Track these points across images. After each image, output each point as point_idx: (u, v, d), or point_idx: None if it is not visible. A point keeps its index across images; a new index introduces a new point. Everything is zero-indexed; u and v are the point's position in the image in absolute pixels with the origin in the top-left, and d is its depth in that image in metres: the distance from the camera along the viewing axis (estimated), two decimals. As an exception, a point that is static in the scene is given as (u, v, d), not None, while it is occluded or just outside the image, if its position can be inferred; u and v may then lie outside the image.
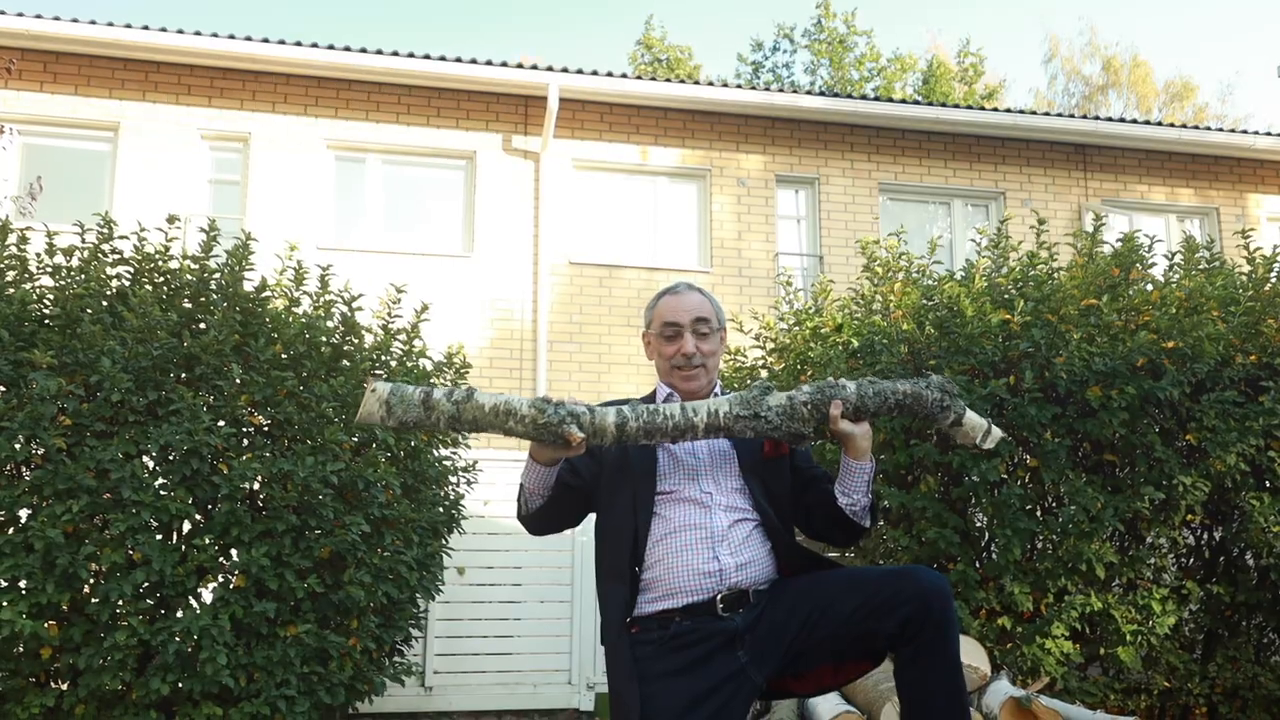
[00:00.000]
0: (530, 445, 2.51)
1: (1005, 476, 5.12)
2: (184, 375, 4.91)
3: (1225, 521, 5.31)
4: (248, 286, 5.27)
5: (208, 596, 4.86)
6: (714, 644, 2.49)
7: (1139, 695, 5.13)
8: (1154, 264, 5.67)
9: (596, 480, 2.68)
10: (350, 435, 5.09)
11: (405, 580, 5.26)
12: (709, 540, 2.53)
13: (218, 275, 5.20)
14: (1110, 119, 12.27)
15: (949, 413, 2.59)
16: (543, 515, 2.65)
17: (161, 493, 4.67)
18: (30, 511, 4.58)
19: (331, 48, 10.50)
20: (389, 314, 5.70)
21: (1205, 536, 5.47)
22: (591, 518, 2.75)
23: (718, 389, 2.78)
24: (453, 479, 6.00)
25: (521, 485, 2.61)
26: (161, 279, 5.16)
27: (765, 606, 2.54)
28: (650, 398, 2.79)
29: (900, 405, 2.59)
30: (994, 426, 2.60)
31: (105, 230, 5.15)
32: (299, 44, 10.47)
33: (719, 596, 2.50)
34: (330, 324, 5.41)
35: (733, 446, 2.69)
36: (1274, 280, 5.54)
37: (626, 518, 2.60)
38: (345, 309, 5.47)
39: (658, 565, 2.54)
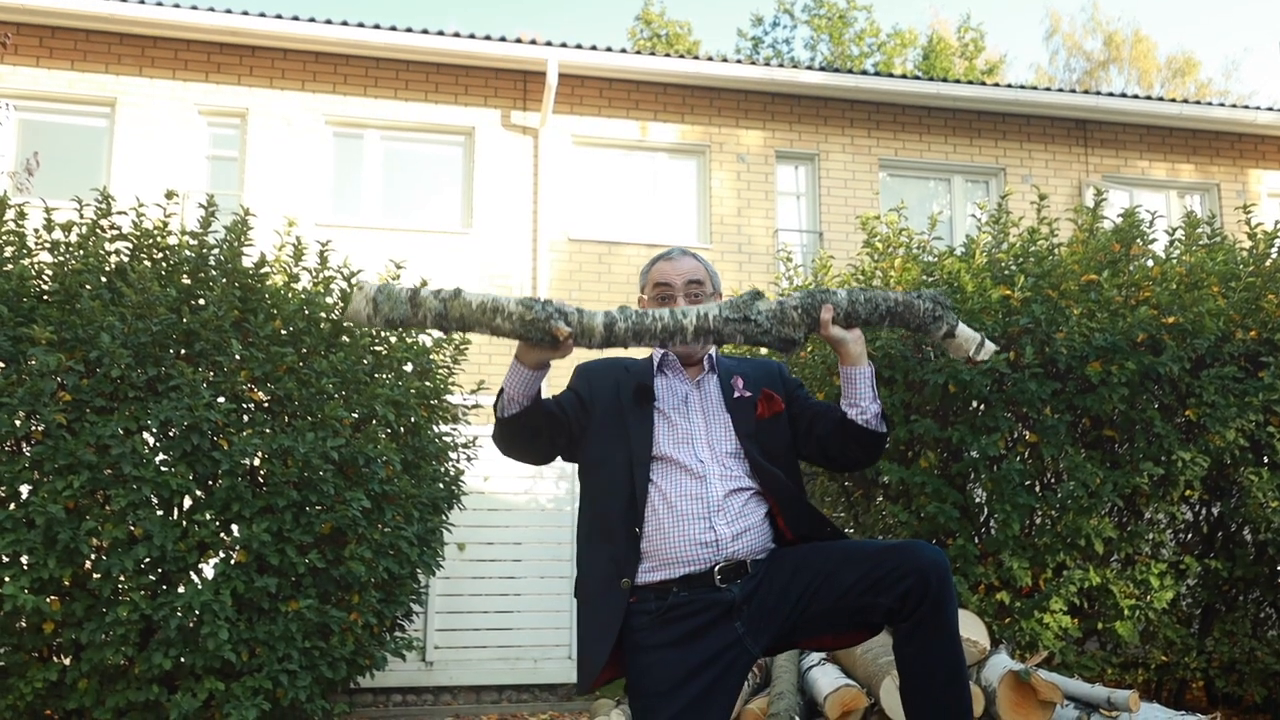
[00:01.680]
0: (517, 347, 2.46)
1: (1005, 452, 5.13)
2: (183, 351, 4.90)
3: (1224, 497, 5.33)
4: (246, 262, 5.26)
5: (209, 572, 4.87)
6: (711, 615, 2.48)
7: (1136, 669, 5.16)
8: (1154, 240, 5.66)
9: (583, 430, 2.65)
10: (350, 411, 5.09)
11: (406, 556, 5.28)
12: (705, 511, 2.51)
13: (216, 251, 5.19)
14: (1111, 94, 12.20)
15: (941, 323, 2.55)
16: (516, 425, 2.54)
17: (162, 468, 4.68)
18: (31, 487, 4.59)
19: (329, 22, 10.43)
20: (388, 290, 5.68)
21: (1204, 512, 5.49)
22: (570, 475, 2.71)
23: (713, 353, 2.77)
24: (453, 455, 6.00)
25: (502, 389, 2.52)
26: (160, 255, 5.15)
27: (763, 577, 2.53)
28: (647, 360, 2.77)
29: (892, 313, 2.56)
30: (987, 340, 2.56)
31: (103, 206, 5.13)
32: (296, 19, 10.40)
33: (716, 568, 2.49)
34: (329, 300, 5.40)
35: (727, 411, 2.67)
36: (1274, 256, 5.54)
37: (621, 476, 2.56)
38: (344, 285, 5.46)
39: (654, 535, 2.52)
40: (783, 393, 2.74)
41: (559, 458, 2.73)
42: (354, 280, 5.46)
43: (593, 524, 2.63)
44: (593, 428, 2.65)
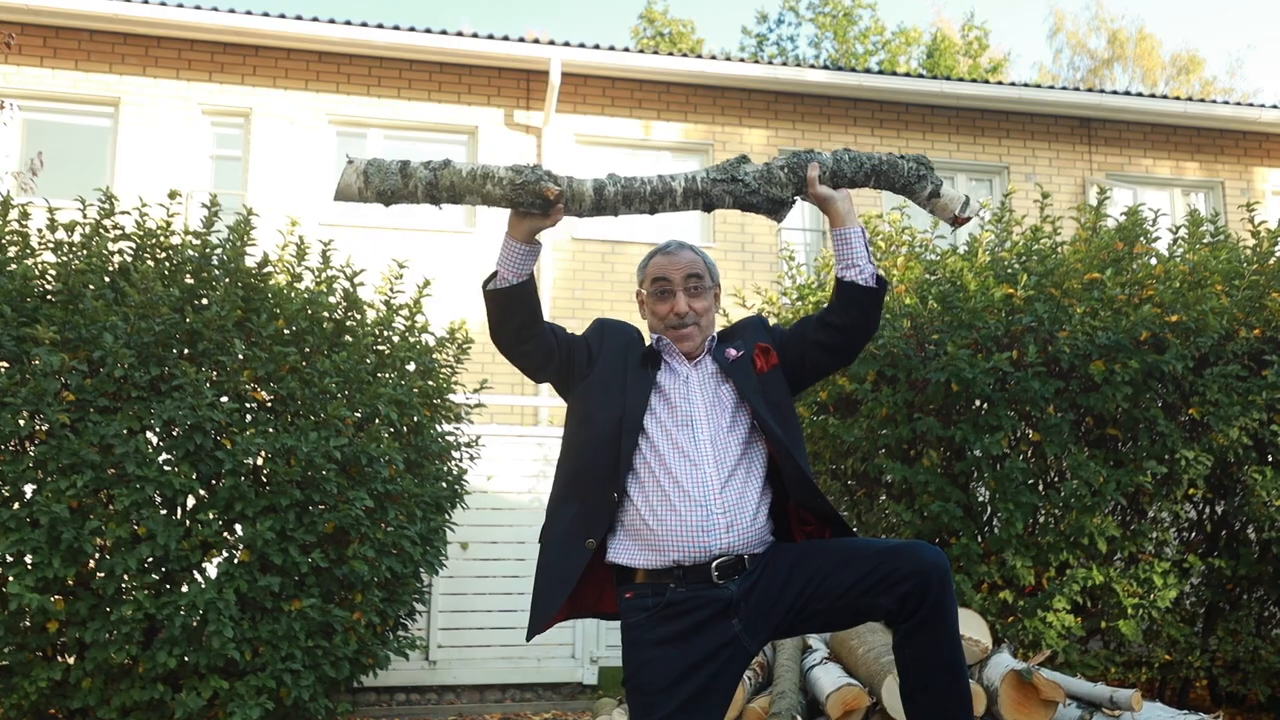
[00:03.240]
0: (508, 221, 2.51)
1: (1008, 451, 5.13)
2: (186, 351, 4.91)
3: (1227, 495, 5.32)
4: (250, 262, 5.26)
5: (212, 571, 4.88)
6: (709, 612, 2.48)
7: (1140, 668, 5.15)
8: (1158, 238, 5.65)
9: (582, 377, 2.64)
10: (353, 411, 5.10)
11: (409, 555, 5.28)
12: (703, 498, 2.49)
13: (220, 251, 5.19)
14: (1115, 92, 12.18)
15: (926, 183, 2.60)
16: (505, 302, 2.54)
17: (165, 468, 4.69)
18: (35, 487, 4.60)
19: (333, 22, 10.43)
20: (391, 290, 5.69)
21: (1207, 510, 5.48)
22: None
23: (714, 335, 2.75)
24: (456, 454, 6.00)
25: (495, 271, 2.55)
26: (163, 254, 5.16)
27: (761, 575, 2.52)
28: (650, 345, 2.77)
29: (877, 171, 2.61)
30: (973, 199, 2.61)
31: (107, 206, 5.14)
32: (300, 18, 10.40)
33: (714, 563, 2.48)
34: (332, 299, 5.41)
35: (728, 379, 2.65)
36: (1278, 254, 5.53)
37: (608, 435, 2.55)
38: (347, 284, 5.47)
39: (649, 518, 2.51)
40: (771, 340, 2.74)
41: (551, 385, 2.72)
42: (355, 278, 5.47)
43: (570, 479, 2.63)
44: (591, 379, 2.64)
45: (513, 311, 2.56)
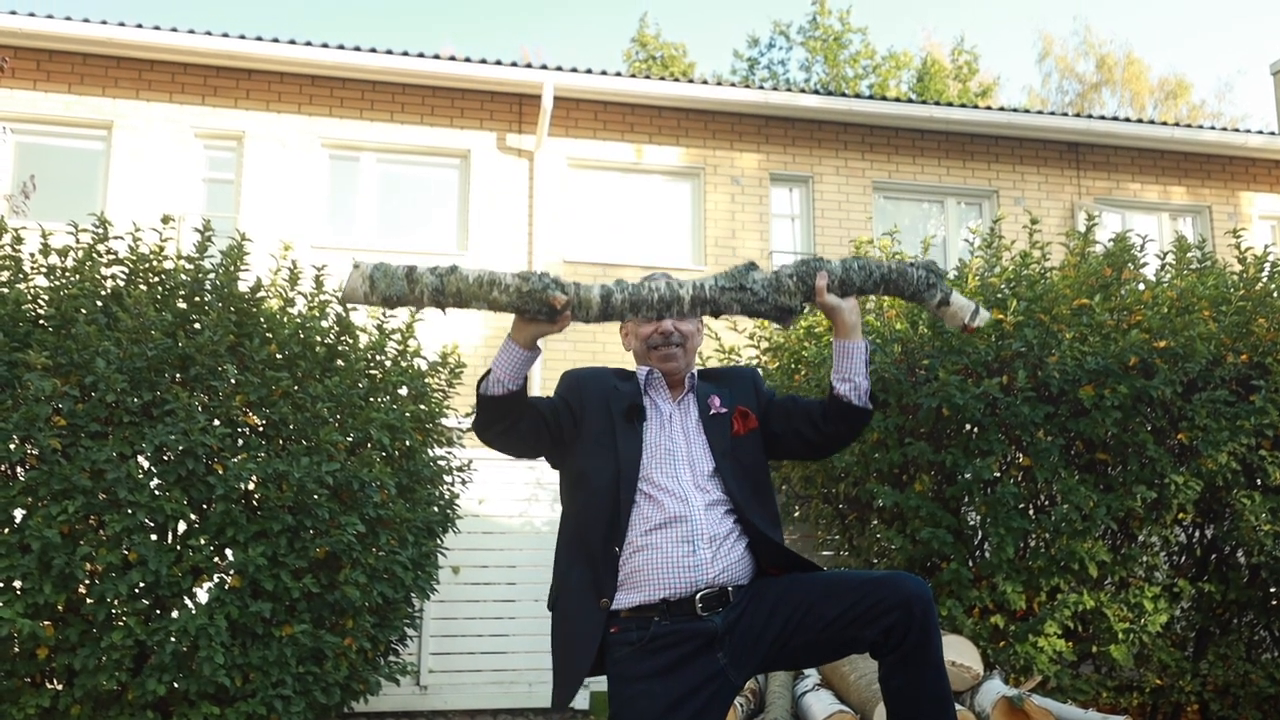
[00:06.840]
0: (512, 326, 2.48)
1: (999, 475, 5.15)
2: (179, 376, 4.91)
3: (1217, 520, 5.35)
4: (242, 286, 5.26)
5: (203, 597, 4.86)
6: (694, 645, 2.49)
7: (1131, 693, 5.16)
8: (1146, 264, 5.70)
9: (573, 439, 2.65)
10: (345, 435, 5.09)
11: (400, 580, 5.27)
12: (688, 534, 2.51)
13: (212, 275, 5.20)
14: (1103, 117, 12.30)
15: (935, 291, 2.57)
16: (497, 408, 2.52)
17: (157, 493, 4.67)
18: (25, 512, 4.58)
19: (325, 46, 10.49)
20: (384, 314, 5.70)
21: (1197, 535, 5.51)
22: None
23: (694, 372, 2.77)
24: (448, 479, 6.00)
25: (490, 370, 2.52)
26: (156, 279, 5.16)
27: (745, 608, 2.53)
28: (631, 374, 2.78)
29: (886, 280, 2.58)
30: (982, 308, 2.58)
31: (100, 230, 5.14)
32: (293, 42, 10.45)
33: (698, 595, 2.49)
34: (325, 324, 5.41)
35: (704, 432, 2.67)
36: (1265, 279, 5.57)
37: (606, 495, 2.56)
38: (340, 309, 5.47)
39: (635, 557, 2.52)
40: (756, 405, 2.76)
41: (543, 459, 2.73)
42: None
43: (573, 541, 2.63)
44: (582, 437, 2.65)
45: (503, 415, 2.56)
